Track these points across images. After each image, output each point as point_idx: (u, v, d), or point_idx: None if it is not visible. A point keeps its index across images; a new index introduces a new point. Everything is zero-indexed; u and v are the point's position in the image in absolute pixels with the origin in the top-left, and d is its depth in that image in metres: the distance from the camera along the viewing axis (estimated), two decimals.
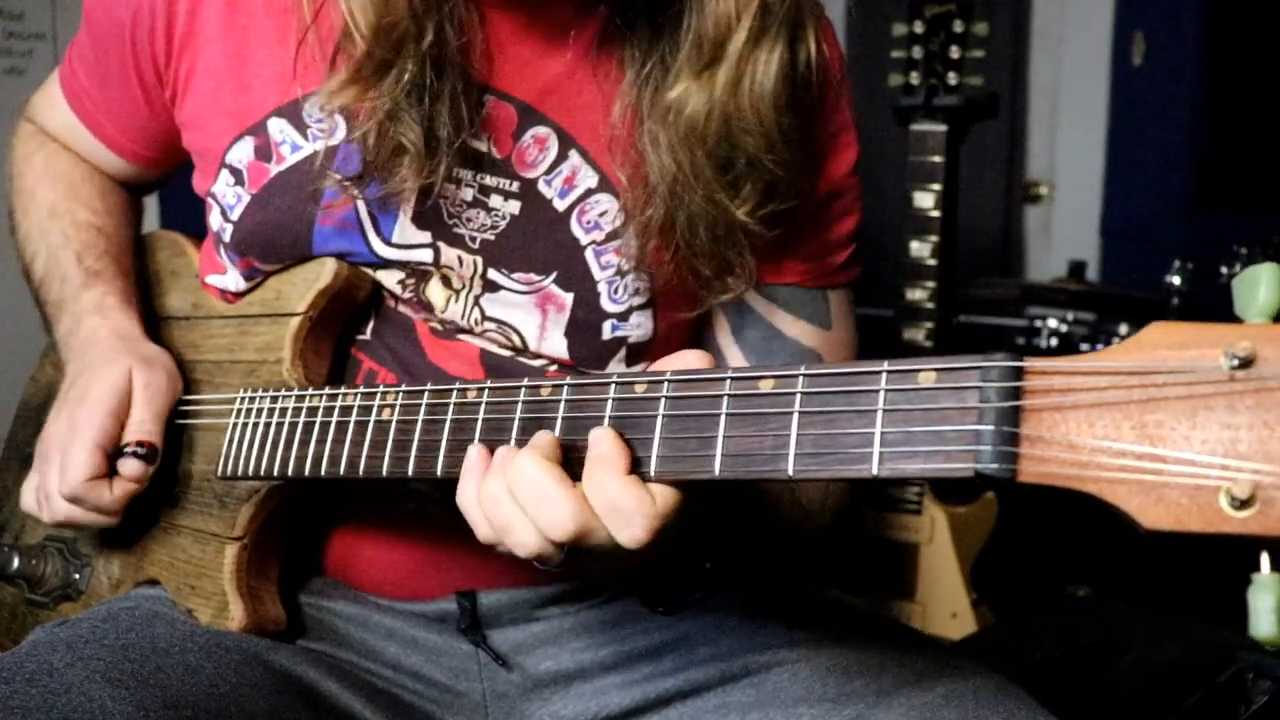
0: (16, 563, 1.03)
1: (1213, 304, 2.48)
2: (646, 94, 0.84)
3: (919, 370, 0.55)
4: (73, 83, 1.03)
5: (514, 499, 0.65)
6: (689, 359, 0.68)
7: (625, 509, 0.62)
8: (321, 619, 0.93)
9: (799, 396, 0.59)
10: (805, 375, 0.59)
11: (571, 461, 0.66)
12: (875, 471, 0.55)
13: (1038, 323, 2.82)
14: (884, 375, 0.56)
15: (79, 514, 0.88)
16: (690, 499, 0.65)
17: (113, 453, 0.88)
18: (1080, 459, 0.49)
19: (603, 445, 0.64)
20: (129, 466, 0.88)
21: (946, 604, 2.02)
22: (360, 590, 0.95)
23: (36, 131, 1.10)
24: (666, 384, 0.64)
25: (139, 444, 0.88)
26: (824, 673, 0.86)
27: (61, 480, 0.87)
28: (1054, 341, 2.77)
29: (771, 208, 0.85)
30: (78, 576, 1.00)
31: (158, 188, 1.13)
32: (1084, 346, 2.71)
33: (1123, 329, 2.72)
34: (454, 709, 0.93)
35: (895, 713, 0.80)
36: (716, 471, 0.61)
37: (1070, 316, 2.81)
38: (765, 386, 0.60)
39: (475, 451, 0.69)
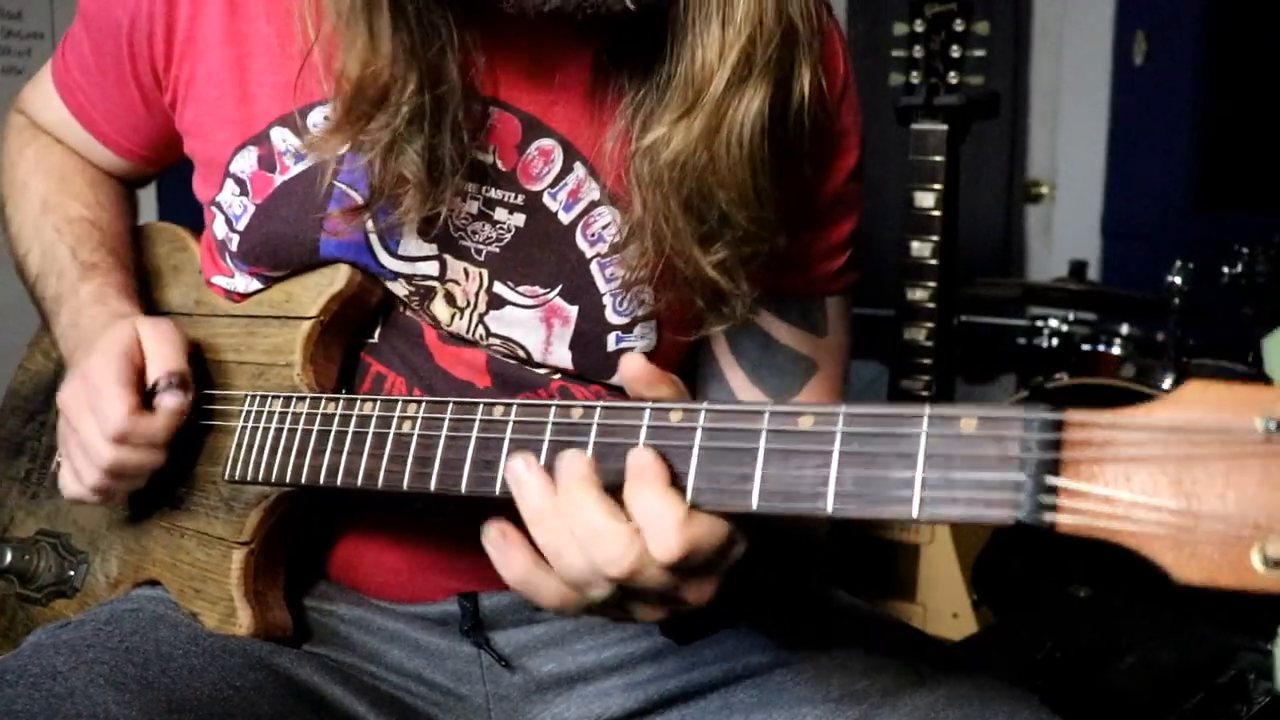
0: (9, 557, 1.03)
1: (1213, 304, 2.48)
2: (636, 125, 0.84)
3: (960, 417, 0.56)
4: (66, 78, 1.02)
5: (572, 533, 0.63)
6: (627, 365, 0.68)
7: (662, 519, 0.61)
8: (325, 623, 0.93)
9: (839, 435, 0.59)
10: (846, 414, 0.60)
11: (611, 487, 0.65)
12: (915, 515, 0.56)
13: (1038, 323, 2.82)
14: (925, 420, 0.57)
15: (128, 454, 0.85)
16: (734, 537, 0.64)
17: (144, 391, 0.86)
18: (1117, 512, 0.51)
19: (643, 460, 0.63)
20: (168, 399, 0.85)
21: (947, 604, 2.02)
22: (363, 593, 0.94)
23: (28, 124, 1.09)
24: (703, 414, 0.64)
25: (169, 375, 0.86)
26: (827, 673, 0.86)
27: (103, 424, 0.84)
28: (1054, 341, 2.78)
29: (746, 255, 0.84)
30: (73, 574, 0.99)
31: (152, 181, 1.13)
32: (1085, 347, 2.71)
33: (1124, 329, 2.72)
34: (456, 712, 0.93)
35: (899, 713, 0.80)
36: (754, 505, 0.61)
37: (1071, 316, 2.82)
38: (805, 424, 0.61)
39: (496, 530, 0.66)
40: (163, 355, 0.87)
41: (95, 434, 0.84)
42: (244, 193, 0.89)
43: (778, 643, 0.90)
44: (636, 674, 0.92)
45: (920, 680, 0.83)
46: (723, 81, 0.79)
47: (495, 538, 0.66)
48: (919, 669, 0.85)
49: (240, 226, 0.90)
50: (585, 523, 0.63)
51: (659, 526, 0.62)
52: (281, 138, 0.88)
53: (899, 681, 0.83)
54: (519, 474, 0.66)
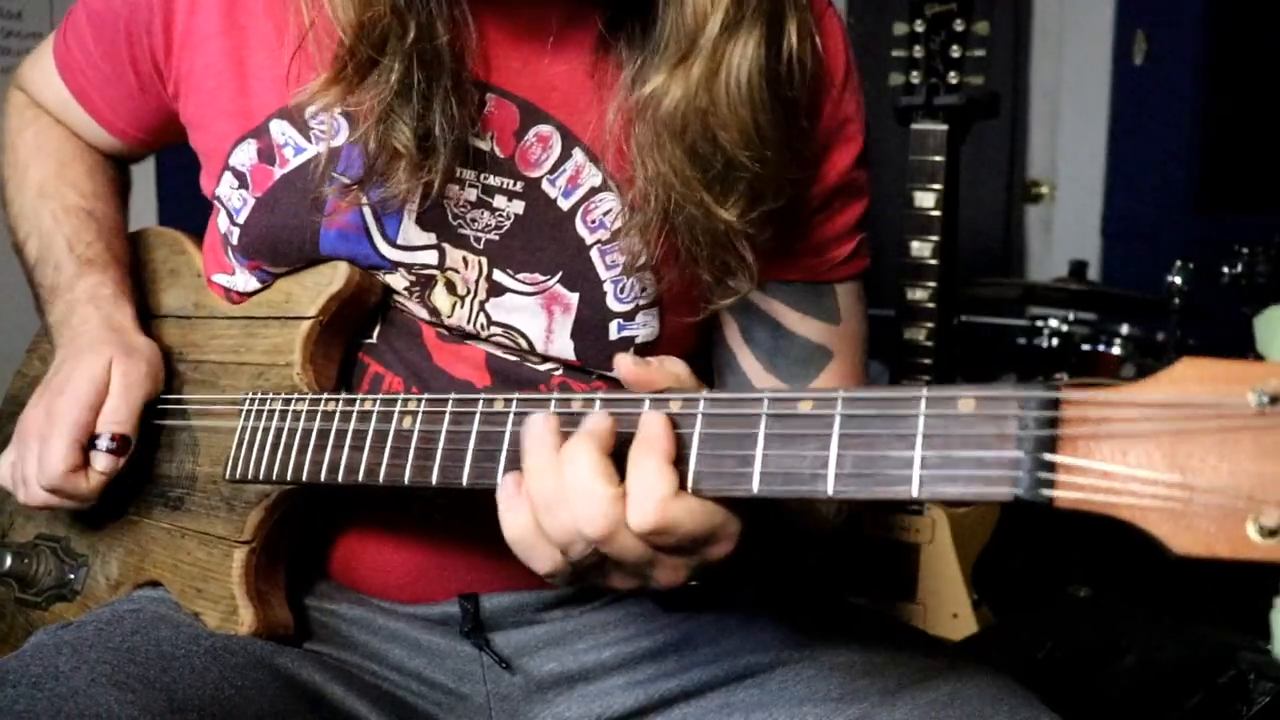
0: (9, 561, 1.03)
1: (1213, 304, 2.48)
2: (635, 94, 0.84)
3: (958, 397, 0.57)
4: (67, 57, 1.03)
5: (560, 485, 0.65)
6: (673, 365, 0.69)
7: (649, 489, 0.62)
8: (326, 622, 0.93)
9: (838, 418, 0.60)
10: (844, 398, 0.60)
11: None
12: (915, 494, 0.57)
13: (1039, 323, 2.82)
14: (923, 401, 0.58)
15: (55, 501, 0.90)
16: (727, 519, 0.65)
17: (87, 444, 0.89)
18: (1114, 486, 0.52)
19: (655, 427, 0.64)
20: (100, 461, 0.89)
21: (947, 604, 2.02)
22: (364, 593, 0.94)
23: (29, 103, 1.10)
24: (703, 401, 0.65)
25: (111, 438, 0.89)
26: (828, 672, 0.86)
27: (40, 471, 0.89)
28: (1055, 341, 2.77)
29: (762, 209, 0.84)
30: (73, 577, 0.99)
31: (148, 158, 1.14)
32: (1085, 347, 2.71)
33: (1124, 329, 2.72)
34: (457, 711, 0.93)
35: (900, 712, 0.80)
36: (755, 489, 0.62)
37: (1071, 316, 2.82)
38: (804, 407, 0.62)
39: (512, 480, 0.68)
40: (115, 409, 0.90)
41: (34, 474, 0.89)
42: (244, 186, 0.90)
43: (778, 642, 0.90)
44: (637, 673, 0.92)
45: (920, 679, 0.83)
46: (717, 25, 0.80)
47: (509, 485, 0.67)
48: (920, 668, 0.85)
49: (241, 220, 0.90)
50: (575, 476, 0.64)
51: (644, 495, 0.62)
52: (280, 130, 0.88)
53: (899, 681, 0.83)
54: (532, 423, 0.67)
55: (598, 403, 0.68)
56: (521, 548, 0.67)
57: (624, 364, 0.69)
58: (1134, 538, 0.51)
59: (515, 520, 0.67)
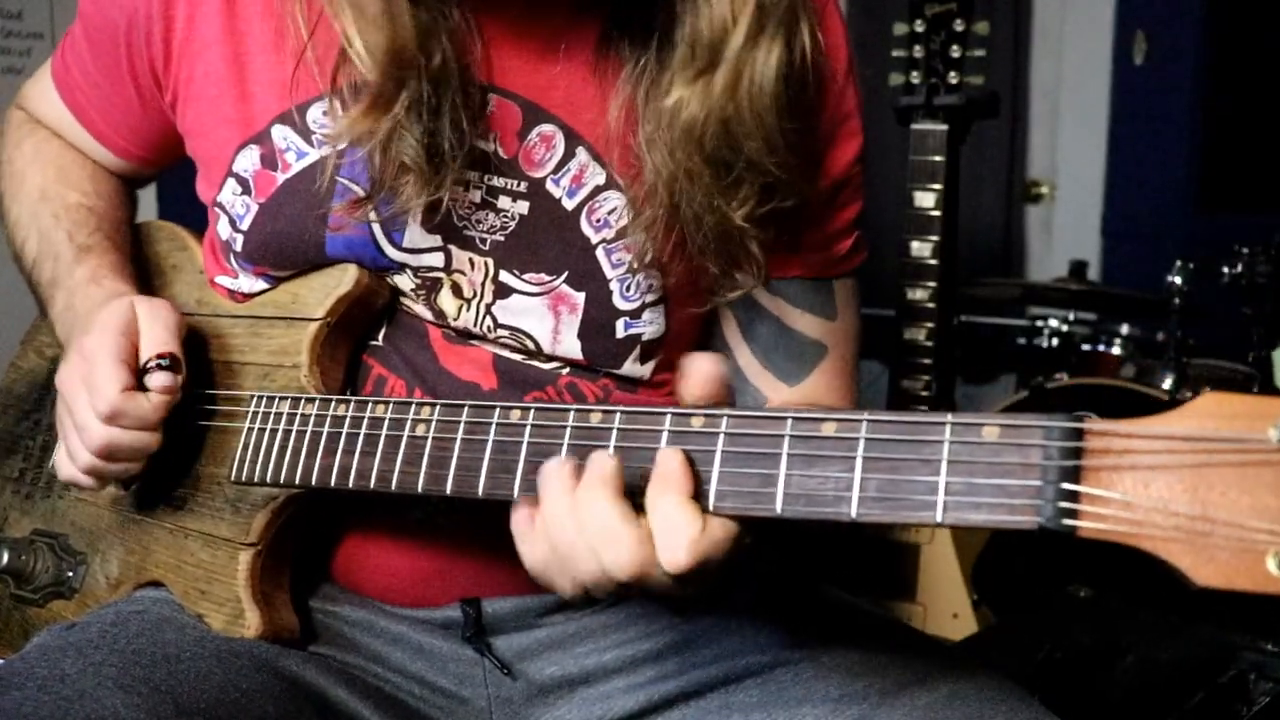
0: (5, 557, 1.02)
1: (1213, 304, 2.48)
2: (640, 92, 0.84)
3: (982, 424, 0.58)
4: (65, 76, 1.03)
5: (581, 533, 0.65)
6: (702, 363, 0.69)
7: (677, 531, 0.63)
8: (329, 625, 0.93)
9: (862, 441, 0.61)
10: (869, 421, 0.61)
11: (630, 490, 0.66)
12: (939, 519, 0.58)
13: (1038, 323, 2.82)
14: (948, 427, 0.58)
15: (119, 434, 0.84)
16: (744, 535, 0.65)
17: (138, 371, 0.86)
18: (1137, 518, 0.53)
19: (671, 464, 0.64)
20: (157, 380, 0.85)
21: (948, 604, 2.02)
22: (367, 597, 0.94)
23: (27, 119, 1.10)
24: (725, 419, 0.65)
25: (160, 356, 0.85)
26: (827, 673, 0.86)
27: (95, 400, 0.84)
28: (1055, 341, 2.78)
29: (770, 207, 0.85)
30: (71, 574, 0.99)
31: (151, 182, 1.13)
32: (1085, 347, 2.72)
33: (1124, 329, 2.72)
34: (459, 715, 0.93)
35: (898, 713, 0.80)
36: (778, 510, 0.62)
37: (1071, 316, 2.82)
38: (827, 429, 0.62)
39: (524, 515, 0.68)
40: (153, 335, 0.87)
41: (88, 412, 0.84)
42: (247, 192, 0.89)
43: (778, 642, 0.90)
44: (637, 675, 0.92)
45: (920, 680, 0.83)
46: (740, 36, 0.80)
47: (523, 520, 0.68)
48: (919, 669, 0.85)
49: (244, 226, 0.90)
50: (597, 522, 0.64)
51: (673, 538, 0.63)
52: (282, 135, 0.88)
53: (898, 681, 0.84)
54: (546, 470, 0.67)
55: (618, 416, 0.68)
56: (545, 579, 0.68)
57: (700, 373, 0.67)
58: (1155, 564, 0.52)
59: (533, 551, 0.68)
